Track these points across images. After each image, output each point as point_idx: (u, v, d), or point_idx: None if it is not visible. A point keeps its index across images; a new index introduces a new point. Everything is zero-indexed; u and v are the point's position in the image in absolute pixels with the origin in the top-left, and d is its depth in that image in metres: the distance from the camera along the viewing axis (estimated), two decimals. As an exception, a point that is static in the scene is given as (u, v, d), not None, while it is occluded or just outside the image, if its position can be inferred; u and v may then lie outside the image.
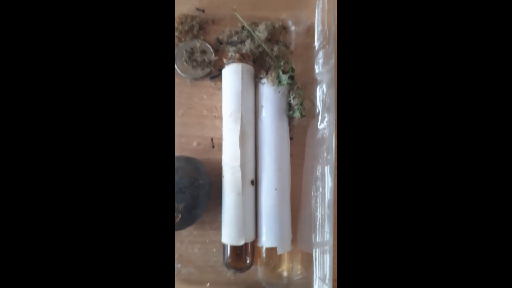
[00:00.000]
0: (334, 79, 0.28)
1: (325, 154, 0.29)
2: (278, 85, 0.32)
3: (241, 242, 0.29)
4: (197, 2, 0.36)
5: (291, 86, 0.32)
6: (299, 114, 0.31)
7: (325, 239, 0.27)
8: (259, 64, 0.35)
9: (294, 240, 0.32)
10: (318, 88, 0.33)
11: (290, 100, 0.32)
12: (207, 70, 0.35)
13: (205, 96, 0.35)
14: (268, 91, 0.32)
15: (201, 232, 0.33)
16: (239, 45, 0.35)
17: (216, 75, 0.35)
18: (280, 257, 0.31)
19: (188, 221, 0.30)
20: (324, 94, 0.31)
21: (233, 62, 0.33)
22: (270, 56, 0.35)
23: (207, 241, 0.33)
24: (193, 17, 0.36)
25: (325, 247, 0.27)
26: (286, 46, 0.36)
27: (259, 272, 0.32)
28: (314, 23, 0.36)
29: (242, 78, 0.32)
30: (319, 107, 0.32)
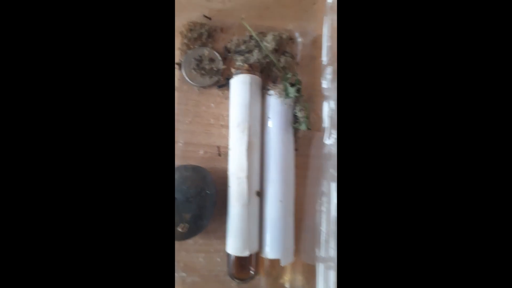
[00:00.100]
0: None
1: (331, 170, 0.29)
2: (285, 97, 0.32)
3: (246, 253, 0.30)
4: (206, 10, 0.36)
5: (297, 98, 0.32)
6: (305, 127, 0.32)
7: (330, 255, 0.28)
8: (265, 74, 0.36)
9: (296, 251, 0.32)
10: (325, 103, 0.33)
11: (296, 112, 0.33)
12: (215, 78, 0.35)
13: (212, 105, 0.35)
14: (275, 103, 0.32)
15: (206, 241, 0.33)
16: (246, 55, 0.35)
17: (223, 84, 0.36)
18: (282, 268, 0.32)
19: (194, 231, 0.30)
20: (331, 110, 0.31)
21: (242, 72, 0.33)
22: (277, 67, 0.35)
23: (212, 250, 0.33)
24: (202, 25, 0.36)
25: (330, 263, 0.27)
26: (293, 57, 0.36)
27: (262, 282, 0.32)
28: (320, 35, 0.36)
29: (250, 89, 0.32)
30: (326, 122, 0.32)
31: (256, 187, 0.31)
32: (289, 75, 0.32)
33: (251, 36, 0.36)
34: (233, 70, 0.34)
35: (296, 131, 0.34)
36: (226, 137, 0.34)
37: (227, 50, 0.36)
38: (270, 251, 0.31)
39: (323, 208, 0.31)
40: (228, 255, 0.31)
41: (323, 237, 0.30)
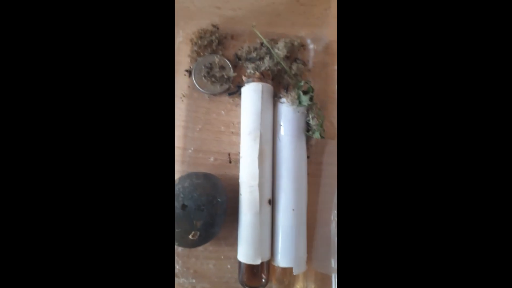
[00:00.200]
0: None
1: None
2: (298, 105, 0.32)
3: (258, 261, 0.30)
4: (216, 17, 0.37)
5: (310, 106, 0.32)
6: (319, 136, 0.31)
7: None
8: (277, 82, 0.36)
9: (309, 259, 0.32)
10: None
11: (309, 120, 0.32)
12: (226, 86, 0.35)
13: (223, 112, 0.36)
14: (287, 110, 0.32)
15: (216, 248, 0.33)
16: (257, 62, 0.35)
17: (234, 92, 0.36)
18: (294, 276, 0.32)
19: (206, 238, 0.30)
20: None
21: (253, 80, 0.33)
22: (289, 74, 0.35)
23: (222, 257, 0.33)
24: (212, 32, 0.36)
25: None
26: (304, 64, 0.36)
27: (273, 290, 0.32)
28: (332, 42, 0.36)
29: (262, 97, 0.32)
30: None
31: (268, 195, 0.31)
32: (301, 83, 0.32)
33: (262, 43, 0.36)
34: (244, 78, 0.34)
35: (308, 138, 0.33)
36: (236, 144, 0.35)
37: (238, 58, 0.36)
38: (282, 259, 0.31)
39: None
40: (240, 262, 0.31)
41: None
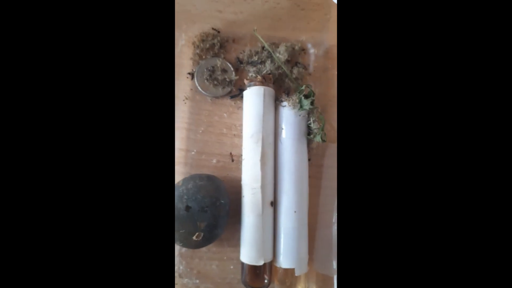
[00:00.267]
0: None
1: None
2: (299, 109, 0.32)
3: (261, 262, 0.30)
4: (218, 21, 0.37)
5: (311, 109, 0.33)
6: (320, 139, 0.32)
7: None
8: (278, 85, 0.36)
9: (310, 260, 0.33)
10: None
11: (310, 123, 0.33)
12: (228, 89, 0.36)
13: (225, 115, 0.36)
14: (288, 114, 0.33)
15: (219, 249, 0.34)
16: (259, 66, 0.36)
17: (236, 95, 0.36)
18: (296, 277, 0.32)
19: (209, 239, 0.31)
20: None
21: (255, 84, 0.33)
22: (290, 78, 0.36)
23: (225, 258, 0.34)
24: (214, 36, 0.37)
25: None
26: (305, 68, 0.37)
27: (275, 290, 0.33)
28: (333, 46, 0.37)
29: (264, 101, 0.32)
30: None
31: (270, 197, 0.32)
32: (302, 87, 0.33)
33: (263, 47, 0.36)
34: (246, 81, 0.35)
35: (309, 141, 0.34)
36: (238, 146, 0.35)
37: (240, 61, 0.37)
38: (284, 260, 0.31)
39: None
40: (243, 263, 0.32)
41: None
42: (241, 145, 0.35)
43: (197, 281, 0.33)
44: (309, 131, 0.34)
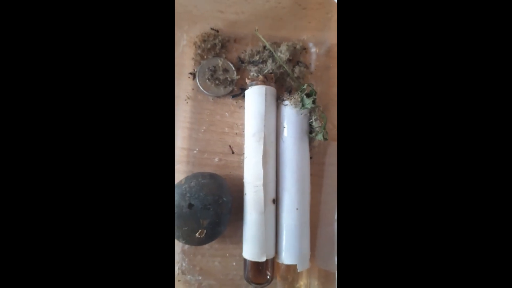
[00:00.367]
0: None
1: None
2: (301, 108, 0.33)
3: (263, 259, 0.31)
4: (219, 21, 0.37)
5: (313, 108, 0.33)
6: (322, 138, 0.32)
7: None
8: (279, 84, 0.36)
9: (312, 257, 0.33)
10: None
11: (312, 122, 0.33)
12: (229, 88, 0.36)
13: (227, 114, 0.36)
14: (290, 113, 0.33)
15: (222, 246, 0.34)
16: (260, 65, 0.36)
17: (238, 94, 0.37)
18: (298, 273, 0.33)
19: (212, 236, 0.31)
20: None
21: (257, 83, 0.34)
22: (291, 77, 0.36)
23: (227, 254, 0.34)
24: (215, 36, 0.37)
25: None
26: (307, 67, 0.37)
27: (278, 287, 0.33)
28: (334, 45, 0.37)
29: (266, 100, 0.33)
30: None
31: (272, 195, 0.32)
32: (304, 86, 0.33)
33: (264, 47, 0.37)
34: (248, 81, 0.35)
35: (311, 140, 0.34)
36: (240, 145, 0.35)
37: (241, 61, 0.37)
38: (286, 257, 0.32)
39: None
40: (245, 260, 0.32)
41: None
42: (243, 144, 0.35)
43: (200, 277, 0.34)
44: (311, 130, 0.34)
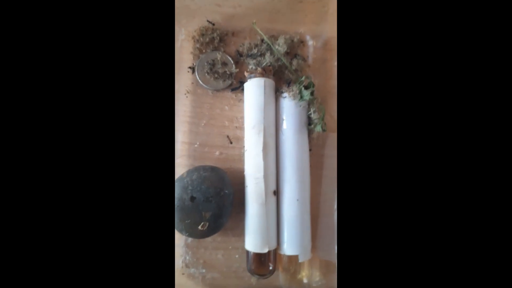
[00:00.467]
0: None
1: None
2: (299, 100, 0.33)
3: (265, 250, 0.31)
4: (217, 15, 0.37)
5: (312, 100, 0.34)
6: (321, 129, 0.33)
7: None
8: (277, 77, 0.37)
9: (313, 247, 0.34)
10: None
11: (310, 114, 0.34)
12: (228, 82, 0.36)
13: (226, 107, 0.36)
14: (289, 105, 0.34)
15: (224, 239, 0.34)
16: (259, 58, 0.36)
17: (237, 87, 0.37)
18: (300, 263, 0.33)
19: (214, 229, 0.31)
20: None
21: (255, 76, 0.34)
22: (289, 70, 0.36)
23: (230, 247, 0.34)
24: (213, 30, 0.37)
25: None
26: (304, 59, 0.37)
27: (280, 278, 0.34)
28: (331, 38, 0.37)
29: (265, 92, 0.33)
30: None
31: (272, 187, 0.33)
32: (302, 78, 0.34)
33: (262, 40, 0.37)
34: (246, 74, 0.35)
35: (310, 131, 0.35)
36: (241, 138, 0.36)
37: (239, 54, 0.37)
38: (288, 248, 0.32)
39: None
40: (247, 251, 0.32)
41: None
42: (243, 137, 0.35)
43: (204, 270, 0.34)
44: (309, 121, 0.34)
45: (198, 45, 0.37)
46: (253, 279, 0.34)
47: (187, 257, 0.34)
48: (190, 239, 0.34)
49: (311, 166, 0.34)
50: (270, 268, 0.32)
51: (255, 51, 0.37)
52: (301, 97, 0.33)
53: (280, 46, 0.36)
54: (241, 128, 0.36)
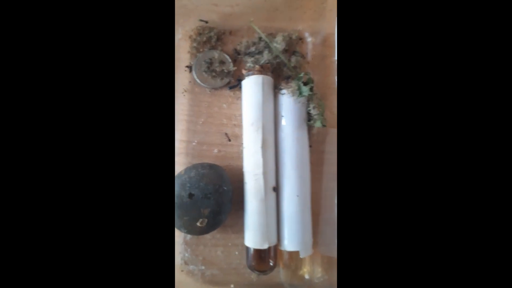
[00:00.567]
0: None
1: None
2: (298, 96, 0.33)
3: (265, 246, 0.31)
4: (214, 14, 0.38)
5: (311, 96, 0.33)
6: (321, 124, 0.33)
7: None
8: (276, 74, 0.37)
9: (315, 243, 0.34)
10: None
11: (310, 110, 0.34)
12: (226, 80, 0.37)
13: (224, 105, 0.37)
14: (288, 101, 0.34)
15: (224, 236, 0.34)
16: (257, 56, 0.36)
17: (235, 85, 0.37)
18: (301, 259, 0.33)
19: (213, 226, 0.31)
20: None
21: (253, 73, 0.34)
22: (288, 67, 0.36)
23: (229, 244, 0.34)
24: (210, 28, 0.37)
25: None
26: (303, 56, 0.37)
27: (281, 274, 0.34)
28: (330, 34, 0.37)
29: (263, 89, 0.33)
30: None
31: (272, 183, 0.33)
32: (301, 75, 0.34)
33: (260, 38, 0.37)
34: (244, 71, 0.35)
35: (309, 128, 0.35)
36: (239, 136, 0.36)
37: (237, 52, 0.37)
38: (288, 244, 0.32)
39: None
40: (247, 248, 0.32)
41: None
42: (241, 135, 0.35)
43: (203, 267, 0.34)
44: (309, 117, 0.34)
45: (195, 44, 0.37)
46: (254, 276, 0.34)
47: (186, 254, 0.34)
48: (189, 236, 0.34)
49: (311, 162, 0.34)
50: (271, 264, 0.32)
51: (253, 49, 0.37)
52: (300, 93, 0.33)
53: (278, 44, 0.36)
54: (239, 126, 0.36)
